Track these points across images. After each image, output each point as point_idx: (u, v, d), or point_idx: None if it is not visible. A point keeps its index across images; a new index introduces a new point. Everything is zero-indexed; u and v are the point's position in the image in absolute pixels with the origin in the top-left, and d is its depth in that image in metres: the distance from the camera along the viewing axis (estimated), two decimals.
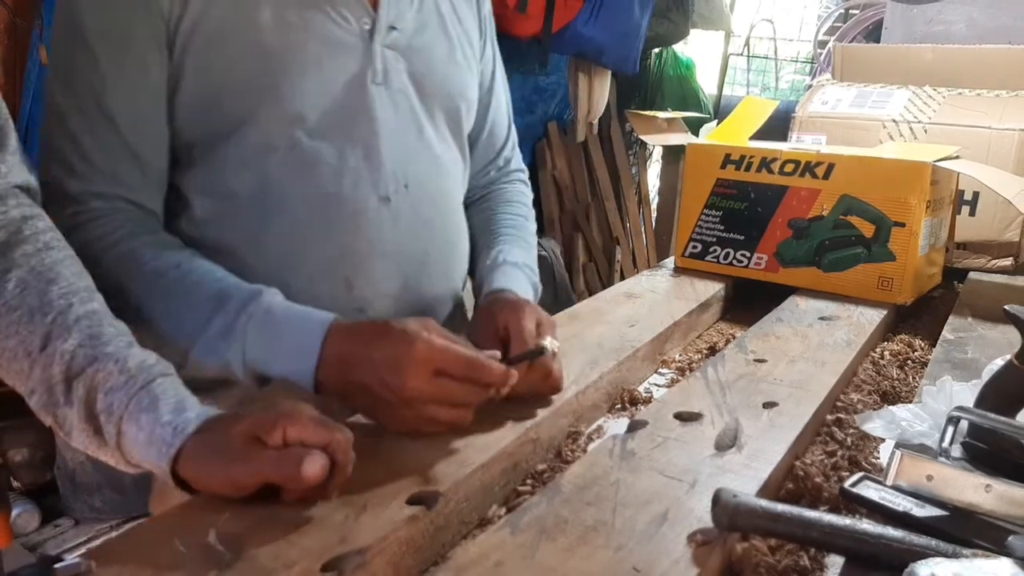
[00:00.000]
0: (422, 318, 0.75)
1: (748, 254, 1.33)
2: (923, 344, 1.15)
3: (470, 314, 1.02)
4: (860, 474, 0.69)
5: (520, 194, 1.13)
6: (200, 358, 0.76)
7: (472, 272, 1.04)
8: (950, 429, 0.66)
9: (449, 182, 0.97)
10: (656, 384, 1.01)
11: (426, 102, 0.92)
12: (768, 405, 0.84)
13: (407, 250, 0.91)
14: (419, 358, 0.70)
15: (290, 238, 0.86)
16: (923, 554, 0.54)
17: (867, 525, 0.57)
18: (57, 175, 0.80)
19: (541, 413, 0.79)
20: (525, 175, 1.16)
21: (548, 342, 0.81)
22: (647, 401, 0.93)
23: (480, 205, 1.09)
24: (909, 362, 1.08)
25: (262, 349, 0.75)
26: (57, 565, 0.48)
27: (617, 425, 0.87)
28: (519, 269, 0.98)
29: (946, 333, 1.12)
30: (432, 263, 0.94)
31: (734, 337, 1.16)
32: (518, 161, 1.15)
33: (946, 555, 0.54)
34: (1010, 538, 0.56)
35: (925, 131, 1.57)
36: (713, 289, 1.29)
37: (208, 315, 0.75)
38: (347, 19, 0.86)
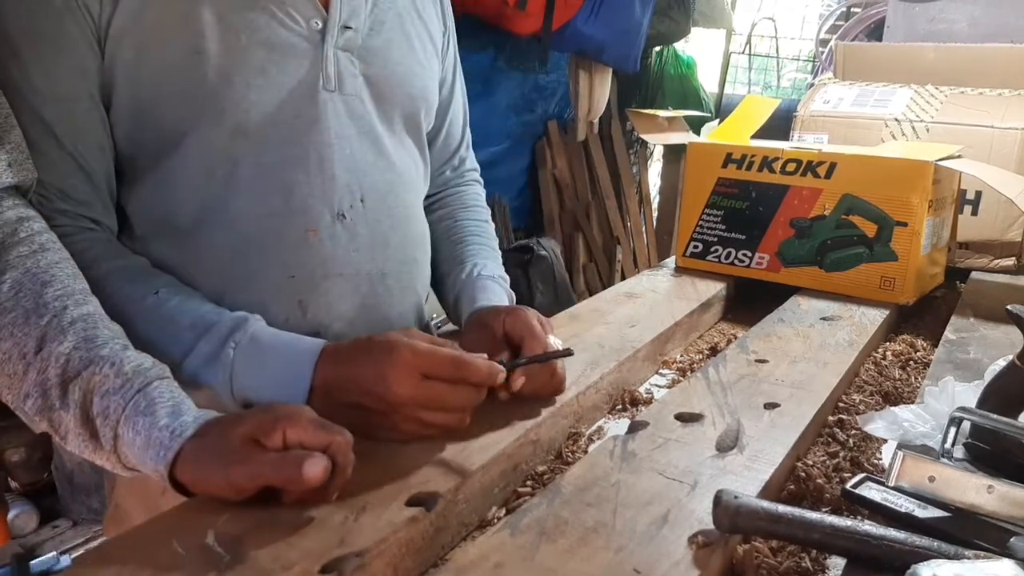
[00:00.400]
0: (405, 328, 0.74)
1: (749, 254, 1.33)
2: (925, 344, 1.14)
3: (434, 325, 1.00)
4: (862, 475, 0.69)
5: (477, 196, 1.10)
6: (182, 386, 0.72)
7: (438, 284, 1.01)
8: (952, 430, 0.66)
9: (409, 193, 0.92)
10: (657, 385, 1.00)
11: (383, 106, 0.87)
12: (769, 406, 0.83)
13: (365, 269, 0.86)
14: (403, 363, 0.69)
15: (236, 258, 0.81)
16: (925, 555, 0.54)
17: (869, 526, 0.57)
18: None
19: (541, 414, 0.79)
20: (478, 173, 1.13)
21: (553, 340, 0.81)
22: (648, 402, 0.92)
23: (439, 213, 1.05)
24: (911, 362, 1.08)
25: (251, 378, 0.73)
26: (32, 562, 0.47)
27: (618, 426, 0.87)
28: (496, 283, 0.96)
29: (948, 333, 1.12)
30: (392, 281, 0.90)
31: (735, 337, 1.15)
32: (472, 160, 1.12)
33: (948, 556, 0.54)
34: (1012, 539, 0.56)
35: (927, 130, 1.56)
36: (714, 289, 1.29)
37: (190, 343, 0.73)
38: (295, 20, 0.80)
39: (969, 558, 0.53)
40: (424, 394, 0.69)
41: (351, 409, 0.71)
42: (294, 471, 0.58)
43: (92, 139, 0.77)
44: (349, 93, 0.84)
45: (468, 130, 1.11)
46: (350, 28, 0.83)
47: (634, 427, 0.78)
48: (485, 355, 0.74)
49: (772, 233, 1.31)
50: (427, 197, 1.03)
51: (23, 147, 0.70)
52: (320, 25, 0.81)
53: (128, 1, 0.74)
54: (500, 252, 1.06)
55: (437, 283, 1.02)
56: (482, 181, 1.14)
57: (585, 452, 0.80)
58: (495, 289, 0.94)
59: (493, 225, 1.09)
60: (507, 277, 1.00)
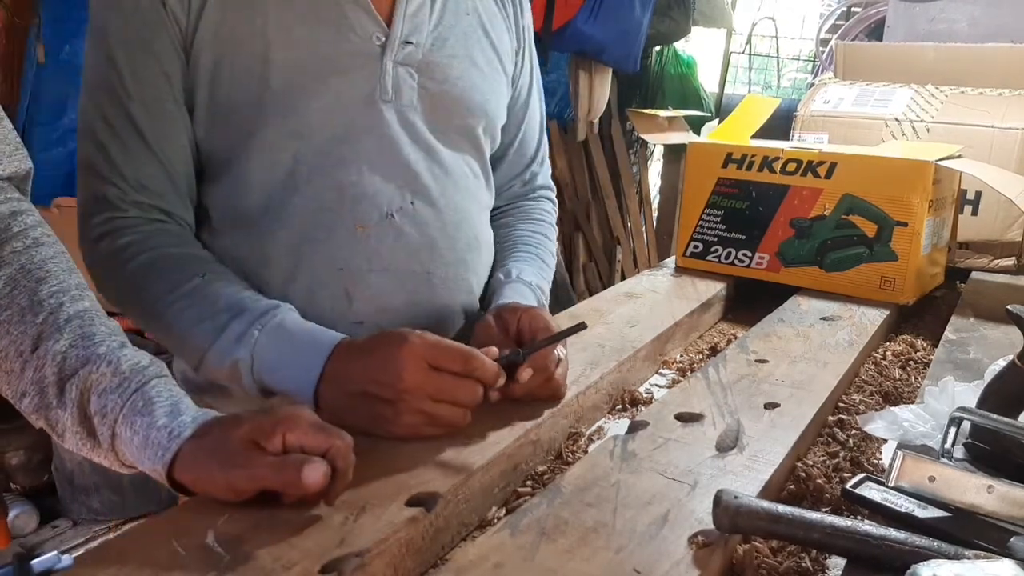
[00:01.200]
0: (422, 330, 0.75)
1: (750, 254, 1.33)
2: (925, 344, 1.14)
3: None
4: (862, 475, 0.69)
5: (544, 212, 1.10)
6: (212, 362, 0.77)
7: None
8: (952, 430, 0.66)
9: (465, 199, 0.95)
10: (657, 385, 1.00)
11: (439, 118, 0.91)
12: (769, 406, 0.83)
13: (410, 267, 0.90)
14: (413, 352, 0.71)
15: (292, 251, 0.86)
16: (925, 555, 0.54)
17: (869, 526, 0.57)
18: (90, 182, 0.82)
19: (542, 414, 0.79)
20: (552, 192, 1.14)
21: (561, 350, 0.82)
22: (648, 402, 0.92)
23: (500, 220, 1.07)
24: (911, 362, 1.08)
25: (269, 360, 0.76)
26: (33, 561, 0.47)
27: (618, 426, 0.87)
28: (530, 288, 0.96)
29: (948, 333, 1.12)
30: (438, 280, 0.92)
31: (735, 337, 1.15)
32: (545, 177, 1.13)
33: (948, 556, 0.54)
34: (1012, 539, 0.56)
35: (927, 130, 1.56)
36: (714, 289, 1.29)
37: (225, 322, 0.77)
38: (358, 35, 0.85)
39: (969, 558, 0.53)
40: (432, 384, 0.71)
41: (358, 399, 0.72)
42: (293, 476, 0.58)
43: (174, 138, 0.83)
44: (405, 104, 0.88)
45: (544, 147, 1.11)
46: (411, 43, 0.88)
47: (634, 427, 0.78)
48: (495, 348, 0.76)
49: (772, 233, 1.31)
50: (495, 209, 1.05)
51: (11, 139, 0.70)
52: (381, 40, 0.86)
53: (210, 13, 0.81)
54: (553, 268, 1.06)
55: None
56: (556, 202, 1.14)
57: (585, 452, 0.80)
58: (524, 292, 0.95)
59: (555, 244, 1.09)
60: (547, 291, 1.00)
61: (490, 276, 1.01)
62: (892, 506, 0.64)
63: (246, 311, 0.78)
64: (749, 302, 1.32)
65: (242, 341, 0.77)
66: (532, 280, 0.98)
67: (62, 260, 0.68)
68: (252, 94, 0.82)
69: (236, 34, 0.81)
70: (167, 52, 0.81)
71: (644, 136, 1.68)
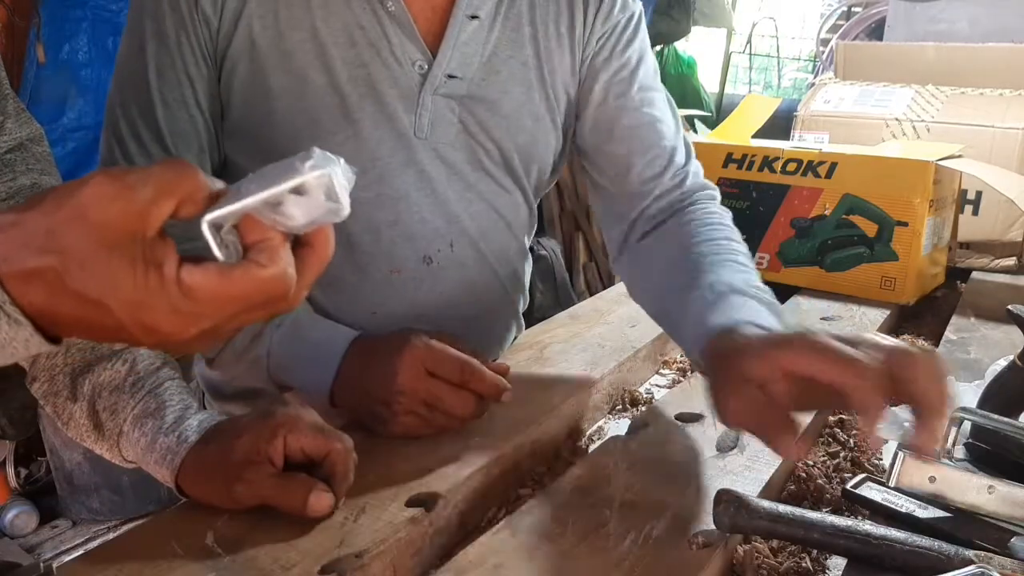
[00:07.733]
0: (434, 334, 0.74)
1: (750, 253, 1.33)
2: (926, 344, 1.14)
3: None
4: (862, 475, 0.69)
5: (712, 214, 0.89)
6: (228, 360, 0.77)
7: (678, 336, 0.81)
8: (953, 430, 0.66)
9: (507, 238, 0.91)
10: (657, 385, 1.00)
11: (482, 154, 0.85)
12: None
13: (449, 313, 0.85)
14: (412, 356, 0.70)
15: (323, 291, 0.83)
16: (926, 555, 0.54)
17: (869, 526, 0.57)
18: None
19: (541, 415, 0.79)
20: (715, 192, 0.93)
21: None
22: (648, 402, 0.92)
23: (657, 247, 0.89)
24: None
25: (285, 357, 0.76)
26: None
27: (618, 426, 0.87)
28: (745, 296, 0.71)
29: (949, 333, 1.12)
30: (478, 322, 0.89)
31: None
32: (696, 177, 0.92)
33: (948, 557, 0.54)
34: (1013, 539, 0.56)
35: (928, 130, 1.56)
36: None
37: None
38: (400, 61, 0.79)
39: (971, 559, 0.53)
40: (425, 389, 0.70)
41: (362, 398, 0.72)
42: (298, 503, 0.58)
43: (192, 141, 0.80)
44: (444, 141, 0.83)
45: (680, 149, 0.91)
46: (456, 77, 0.81)
47: (634, 427, 0.78)
48: (506, 365, 0.74)
49: (772, 233, 1.30)
50: (638, 230, 0.90)
51: (21, 107, 0.69)
52: (424, 69, 0.80)
53: (247, 26, 0.76)
54: (755, 272, 0.81)
55: (676, 336, 0.83)
56: (717, 198, 0.92)
57: (585, 452, 0.80)
58: (741, 303, 0.70)
59: (745, 246, 0.87)
60: (767, 289, 0.76)
61: (679, 323, 0.78)
62: (892, 506, 0.63)
63: None
64: None
65: (258, 340, 0.76)
66: (739, 285, 0.74)
67: None
68: (287, 114, 0.78)
69: (274, 50, 0.77)
70: (192, 55, 0.77)
71: None
